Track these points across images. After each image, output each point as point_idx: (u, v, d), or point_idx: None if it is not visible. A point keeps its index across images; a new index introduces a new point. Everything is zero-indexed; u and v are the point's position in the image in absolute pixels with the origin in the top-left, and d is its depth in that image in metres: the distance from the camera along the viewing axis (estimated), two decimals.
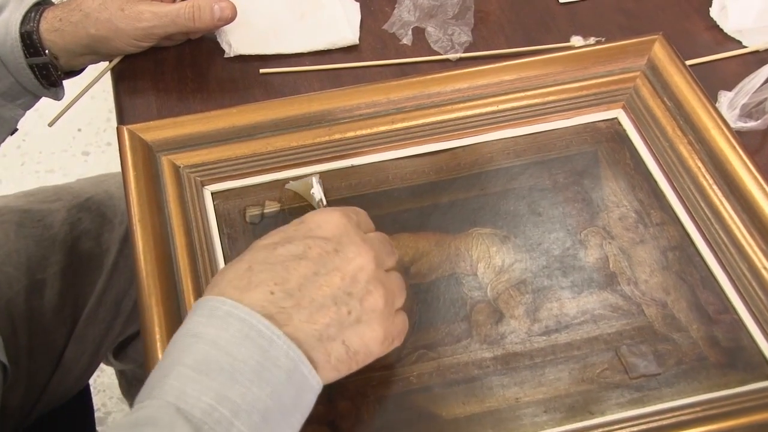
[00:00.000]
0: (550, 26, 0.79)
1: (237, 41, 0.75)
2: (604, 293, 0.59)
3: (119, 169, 0.63)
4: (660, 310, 0.58)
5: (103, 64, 0.75)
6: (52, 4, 0.73)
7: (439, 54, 0.76)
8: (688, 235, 0.62)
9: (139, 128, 0.64)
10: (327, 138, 0.66)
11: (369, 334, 0.47)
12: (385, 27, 0.79)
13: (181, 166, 0.64)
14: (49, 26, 0.70)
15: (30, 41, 0.69)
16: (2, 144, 0.76)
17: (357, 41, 0.77)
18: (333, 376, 0.46)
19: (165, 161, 0.64)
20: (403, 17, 0.79)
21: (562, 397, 0.54)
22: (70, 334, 0.81)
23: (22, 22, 0.69)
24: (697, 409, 0.53)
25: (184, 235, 0.60)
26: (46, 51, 0.70)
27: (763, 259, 0.58)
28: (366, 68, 0.75)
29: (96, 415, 1.36)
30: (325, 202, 0.61)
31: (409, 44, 0.77)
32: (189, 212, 0.62)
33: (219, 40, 0.76)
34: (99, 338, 0.84)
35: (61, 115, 0.75)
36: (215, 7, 0.71)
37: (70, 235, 0.82)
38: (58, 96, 0.76)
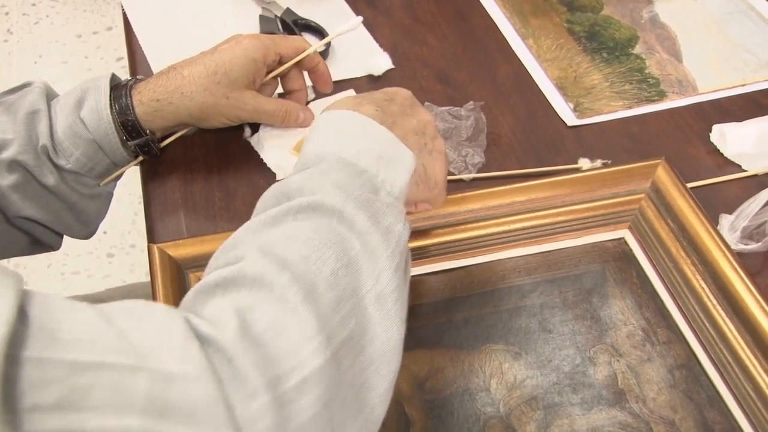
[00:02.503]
0: (559, 148, 0.83)
1: (288, 165, 0.80)
2: (613, 410, 0.61)
3: (144, 272, 0.66)
4: (668, 429, 0.60)
5: None
6: (134, 80, 0.77)
7: (454, 174, 0.80)
8: (694, 354, 0.64)
9: (168, 246, 0.68)
10: None
11: (438, 167, 0.60)
12: None
13: None
14: (146, 109, 0.74)
15: (132, 127, 0.74)
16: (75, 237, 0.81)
17: None
18: (412, 187, 0.57)
19: (193, 278, 0.67)
20: None
21: None
22: None
23: (119, 110, 0.73)
24: None
25: None
26: (147, 131, 0.75)
27: (767, 379, 0.59)
28: None
29: None
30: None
31: None
32: None
33: (269, 165, 0.81)
34: None
35: (114, 178, 0.79)
36: (300, 114, 0.81)
37: None
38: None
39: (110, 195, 0.80)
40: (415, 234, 0.70)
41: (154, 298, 0.64)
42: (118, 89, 0.75)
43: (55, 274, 1.77)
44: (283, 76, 0.82)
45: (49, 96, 0.75)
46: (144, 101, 0.74)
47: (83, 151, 0.73)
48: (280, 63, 0.80)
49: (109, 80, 0.75)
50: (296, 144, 0.80)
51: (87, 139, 0.72)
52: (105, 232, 1.82)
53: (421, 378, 0.63)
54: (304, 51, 0.79)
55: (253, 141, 0.82)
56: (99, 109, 0.73)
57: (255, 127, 0.83)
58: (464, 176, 0.80)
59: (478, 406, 0.62)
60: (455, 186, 0.79)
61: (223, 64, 0.75)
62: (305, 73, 0.83)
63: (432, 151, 0.60)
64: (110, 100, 0.73)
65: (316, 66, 0.82)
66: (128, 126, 0.74)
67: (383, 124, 0.56)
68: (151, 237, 0.75)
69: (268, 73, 0.79)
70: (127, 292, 0.92)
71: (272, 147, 0.81)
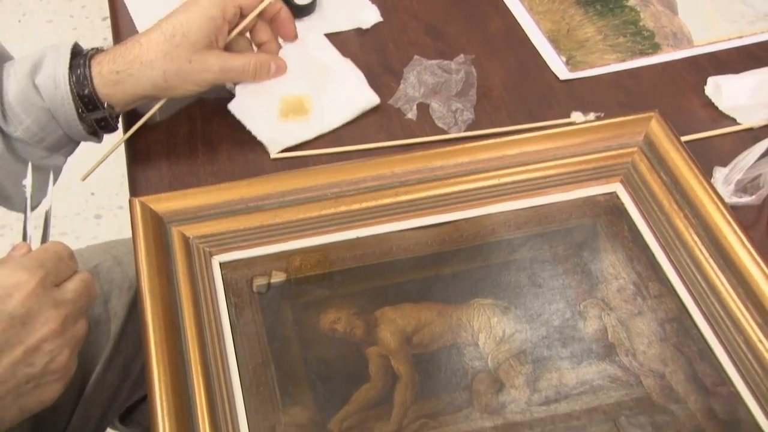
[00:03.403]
0: (551, 102, 0.81)
1: (281, 136, 0.77)
2: (603, 364, 0.60)
3: (129, 234, 0.65)
4: (658, 382, 0.59)
5: None
6: (94, 50, 0.72)
7: (444, 130, 0.78)
8: (685, 307, 0.63)
9: (151, 200, 0.66)
10: (333, 210, 0.68)
11: (47, 395, 0.53)
12: (390, 102, 0.81)
13: (191, 236, 0.66)
14: (105, 81, 0.70)
15: (88, 99, 0.70)
16: (15, 209, 0.78)
17: (378, 101, 0.81)
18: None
19: (175, 232, 0.65)
20: (408, 93, 0.82)
21: None
22: (77, 399, 0.81)
23: (76, 81, 0.69)
24: None
25: (192, 304, 0.61)
26: (105, 104, 0.71)
27: (759, 333, 0.59)
28: (374, 149, 0.77)
29: None
30: None
31: (414, 119, 0.80)
32: (198, 282, 0.63)
33: (261, 139, 0.77)
34: (106, 403, 0.84)
35: (94, 169, 0.76)
36: (272, 65, 0.76)
37: None
38: (100, 140, 0.77)
39: (58, 169, 0.76)
40: (403, 188, 0.69)
41: (135, 252, 0.63)
42: (77, 58, 0.71)
43: None
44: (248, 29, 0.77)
45: (2, 58, 0.71)
46: (103, 73, 0.70)
47: (35, 119, 0.69)
48: (243, 17, 0.75)
49: (70, 48, 0.71)
50: (282, 108, 0.78)
51: (40, 107, 0.69)
52: (93, 194, 1.80)
53: (408, 332, 0.62)
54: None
55: (235, 109, 0.78)
56: (56, 77, 0.69)
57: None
58: (453, 135, 0.78)
59: (466, 361, 0.61)
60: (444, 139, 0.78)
61: (180, 25, 0.70)
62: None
63: (40, 381, 0.52)
64: (70, 66, 0.69)
65: (277, 14, 0.76)
66: (85, 98, 0.70)
67: None
68: (133, 191, 0.73)
69: (232, 30, 0.75)
70: (108, 248, 0.90)
71: (257, 116, 0.78)
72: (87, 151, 0.79)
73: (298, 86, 0.79)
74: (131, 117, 0.79)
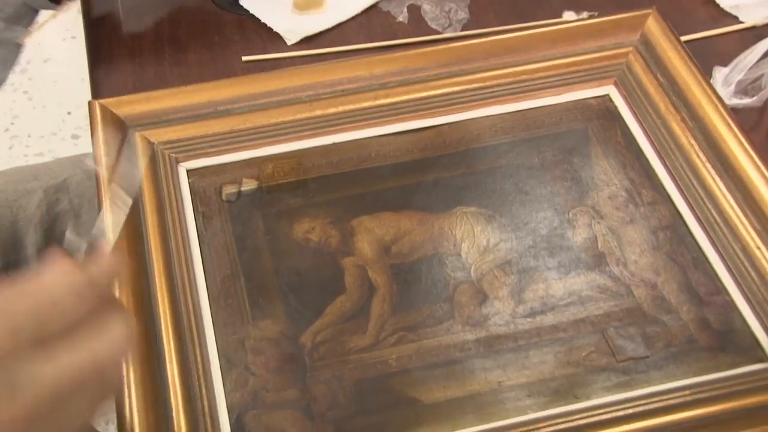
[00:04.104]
0: (542, 1, 0.77)
1: (297, 25, 0.74)
2: (592, 274, 0.57)
3: None
4: (649, 292, 0.56)
5: None
6: None
7: (438, 31, 0.74)
8: (679, 214, 0.60)
9: (112, 103, 0.62)
10: (308, 114, 0.64)
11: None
12: (380, 5, 0.76)
13: (156, 142, 0.62)
14: None
15: None
16: None
17: None
18: None
19: (139, 137, 0.61)
20: None
21: (547, 380, 0.52)
22: None
23: None
24: (686, 393, 0.51)
25: (156, 213, 0.58)
26: None
27: (757, 239, 0.56)
28: (355, 51, 0.72)
29: None
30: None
31: (405, 22, 0.75)
32: (162, 190, 0.59)
33: (278, 29, 0.74)
34: None
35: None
36: None
37: (47, 216, 0.80)
38: (59, 4, 0.72)
39: (18, 46, 0.72)
40: (383, 91, 0.64)
41: (95, 159, 0.59)
42: None
43: (18, 156, 1.70)
44: None
45: None
46: None
47: None
48: None
49: None
50: (297, 1, 0.74)
51: None
52: (69, 113, 1.74)
53: (387, 242, 0.59)
54: None
55: (247, 3, 0.75)
56: None
57: None
58: (437, 36, 0.74)
59: (447, 271, 0.58)
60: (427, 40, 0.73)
61: None
62: None
63: None
64: None
65: None
66: None
67: None
68: (95, 95, 0.69)
69: None
70: (78, 161, 0.86)
71: (270, 8, 0.74)
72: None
73: None
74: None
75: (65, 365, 0.32)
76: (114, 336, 0.34)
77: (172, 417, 0.49)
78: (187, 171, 0.62)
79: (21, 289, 0.32)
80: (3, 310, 0.31)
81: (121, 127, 0.61)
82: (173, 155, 0.62)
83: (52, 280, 0.33)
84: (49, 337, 0.32)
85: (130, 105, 0.62)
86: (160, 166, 0.61)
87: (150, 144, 0.61)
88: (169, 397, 0.50)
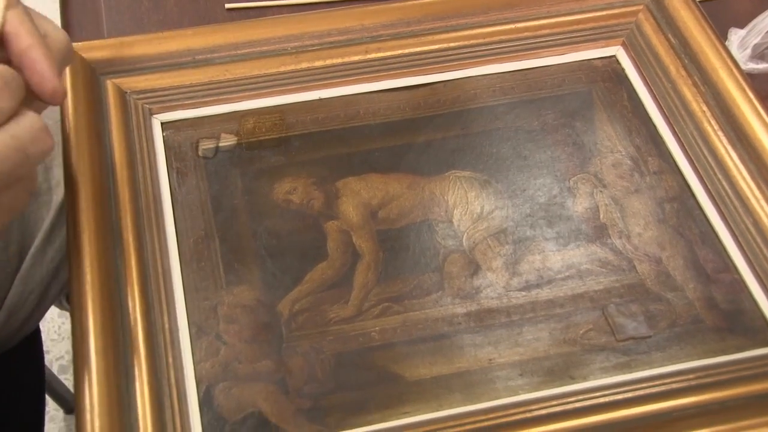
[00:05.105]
0: None
1: None
2: (593, 246, 0.54)
3: None
4: (653, 267, 0.53)
5: None
6: None
7: None
8: (688, 185, 0.56)
9: (82, 47, 0.57)
10: (293, 67, 0.60)
11: None
12: None
13: (128, 91, 0.57)
14: None
15: None
16: None
17: None
18: None
19: (110, 85, 0.57)
20: None
21: (541, 359, 0.49)
22: (14, 273, 0.75)
23: None
24: (690, 376, 0.48)
25: (127, 167, 0.53)
26: None
27: None
28: (346, 1, 0.68)
29: (60, 363, 1.31)
30: None
31: None
32: (134, 143, 0.55)
33: None
34: (47, 279, 0.78)
35: None
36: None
37: None
38: None
39: None
40: (374, 44, 0.60)
41: (61, 108, 0.55)
42: None
43: None
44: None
45: None
46: None
47: None
48: None
49: None
50: None
51: None
52: None
53: (373, 206, 0.55)
54: None
55: None
56: None
57: None
58: None
59: (437, 239, 0.54)
60: None
61: None
62: None
63: None
64: None
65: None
66: None
67: None
68: None
69: None
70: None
71: None
72: None
73: None
74: None
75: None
76: (35, 121, 0.37)
77: (135, 387, 0.45)
78: (162, 123, 0.58)
79: None
80: None
81: (90, 74, 0.57)
82: (147, 106, 0.58)
83: None
84: None
85: (101, 50, 0.58)
86: (132, 117, 0.57)
87: (122, 93, 0.57)
88: (132, 366, 0.46)
